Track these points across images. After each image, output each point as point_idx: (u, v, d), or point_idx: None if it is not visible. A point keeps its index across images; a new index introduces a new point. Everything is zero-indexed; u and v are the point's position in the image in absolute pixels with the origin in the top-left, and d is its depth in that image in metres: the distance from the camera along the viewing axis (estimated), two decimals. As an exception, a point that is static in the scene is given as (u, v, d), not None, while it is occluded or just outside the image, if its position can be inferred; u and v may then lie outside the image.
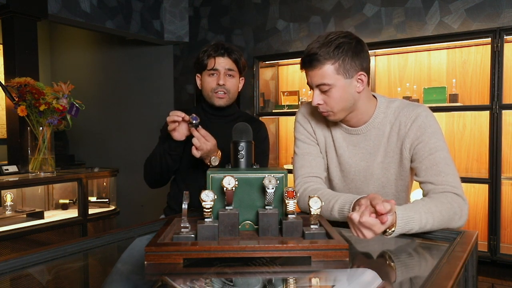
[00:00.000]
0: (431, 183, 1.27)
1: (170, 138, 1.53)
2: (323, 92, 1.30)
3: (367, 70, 1.32)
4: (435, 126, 1.31)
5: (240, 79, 1.77)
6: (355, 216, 1.02)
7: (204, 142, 1.45)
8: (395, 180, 1.40)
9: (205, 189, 1.01)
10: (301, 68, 1.34)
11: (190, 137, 1.50)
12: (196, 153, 1.45)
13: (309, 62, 1.29)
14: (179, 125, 1.48)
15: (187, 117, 1.45)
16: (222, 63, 1.67)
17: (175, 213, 1.66)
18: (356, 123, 1.40)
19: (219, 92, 1.68)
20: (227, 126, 1.70)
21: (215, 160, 1.44)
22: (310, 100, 3.66)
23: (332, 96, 1.29)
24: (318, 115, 1.47)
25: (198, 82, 1.76)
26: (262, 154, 1.75)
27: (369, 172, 1.41)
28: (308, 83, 1.34)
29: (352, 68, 1.28)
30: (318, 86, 1.30)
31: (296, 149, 1.51)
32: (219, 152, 1.54)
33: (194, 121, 1.43)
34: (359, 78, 1.30)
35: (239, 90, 1.78)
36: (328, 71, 1.26)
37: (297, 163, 1.49)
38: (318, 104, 1.32)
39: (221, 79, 1.67)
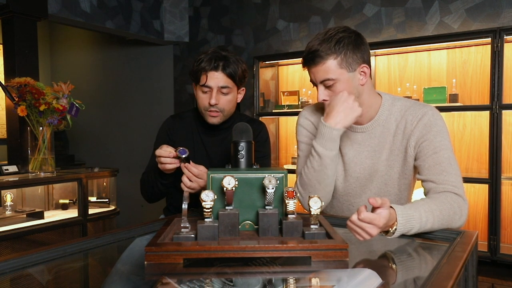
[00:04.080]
0: (433, 182, 1.27)
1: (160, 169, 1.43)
2: (328, 87, 1.31)
3: (368, 62, 1.33)
4: (441, 126, 1.32)
5: (241, 90, 1.62)
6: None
7: (195, 180, 1.33)
8: (398, 178, 1.40)
9: (205, 189, 1.01)
10: (303, 66, 1.35)
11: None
12: (187, 190, 1.31)
13: (311, 59, 1.29)
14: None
15: (174, 153, 1.34)
16: (216, 79, 1.50)
17: (174, 214, 1.66)
18: (361, 120, 1.40)
19: (211, 112, 1.54)
20: (224, 138, 1.66)
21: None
22: (310, 100, 3.63)
23: (337, 90, 1.30)
24: (321, 116, 1.47)
25: (195, 92, 1.61)
26: (264, 157, 1.67)
27: (374, 169, 1.41)
28: (311, 81, 1.35)
29: (354, 61, 1.29)
30: (322, 82, 1.31)
31: (300, 152, 1.52)
32: None
33: (183, 155, 1.31)
34: (362, 71, 1.31)
35: (239, 101, 1.64)
36: (331, 66, 1.27)
37: (300, 165, 1.50)
38: (324, 100, 1.33)
39: (213, 98, 1.51)
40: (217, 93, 1.52)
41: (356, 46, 1.29)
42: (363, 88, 1.34)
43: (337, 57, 1.27)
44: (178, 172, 1.40)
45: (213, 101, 1.51)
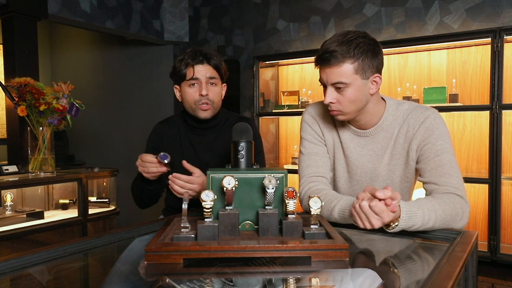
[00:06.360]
0: (435, 184, 1.27)
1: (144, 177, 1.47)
2: (338, 90, 1.28)
3: (381, 73, 1.31)
4: (443, 129, 1.31)
5: (223, 85, 1.66)
6: (364, 203, 1.02)
7: (189, 187, 1.36)
8: (399, 182, 1.40)
9: (205, 189, 1.01)
10: (316, 64, 1.31)
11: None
12: (185, 197, 1.38)
13: (327, 59, 1.25)
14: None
15: (156, 160, 1.37)
16: (202, 71, 1.56)
17: (173, 214, 1.66)
18: (365, 125, 1.39)
19: (203, 104, 1.57)
20: (214, 137, 1.67)
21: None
22: (310, 100, 3.62)
23: (346, 95, 1.27)
24: (326, 116, 1.47)
25: (177, 94, 1.64)
26: (258, 154, 1.67)
27: (375, 173, 1.41)
28: (321, 80, 1.31)
29: (370, 69, 1.27)
30: (333, 84, 1.27)
31: (303, 149, 1.50)
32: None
33: (164, 160, 1.32)
34: (374, 80, 1.29)
35: (223, 98, 1.68)
36: (347, 70, 1.24)
37: (303, 162, 1.48)
38: (331, 102, 1.30)
39: (203, 89, 1.55)
40: (206, 84, 1.57)
41: (374, 54, 1.27)
42: (371, 97, 1.32)
43: (354, 62, 1.24)
44: (165, 176, 1.43)
45: (204, 92, 1.55)
